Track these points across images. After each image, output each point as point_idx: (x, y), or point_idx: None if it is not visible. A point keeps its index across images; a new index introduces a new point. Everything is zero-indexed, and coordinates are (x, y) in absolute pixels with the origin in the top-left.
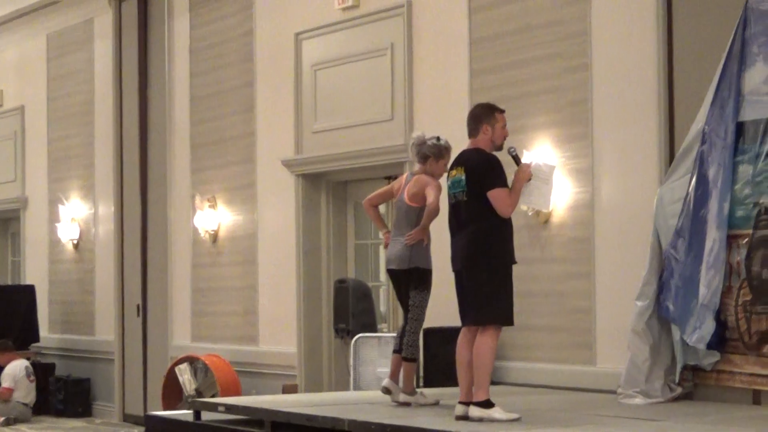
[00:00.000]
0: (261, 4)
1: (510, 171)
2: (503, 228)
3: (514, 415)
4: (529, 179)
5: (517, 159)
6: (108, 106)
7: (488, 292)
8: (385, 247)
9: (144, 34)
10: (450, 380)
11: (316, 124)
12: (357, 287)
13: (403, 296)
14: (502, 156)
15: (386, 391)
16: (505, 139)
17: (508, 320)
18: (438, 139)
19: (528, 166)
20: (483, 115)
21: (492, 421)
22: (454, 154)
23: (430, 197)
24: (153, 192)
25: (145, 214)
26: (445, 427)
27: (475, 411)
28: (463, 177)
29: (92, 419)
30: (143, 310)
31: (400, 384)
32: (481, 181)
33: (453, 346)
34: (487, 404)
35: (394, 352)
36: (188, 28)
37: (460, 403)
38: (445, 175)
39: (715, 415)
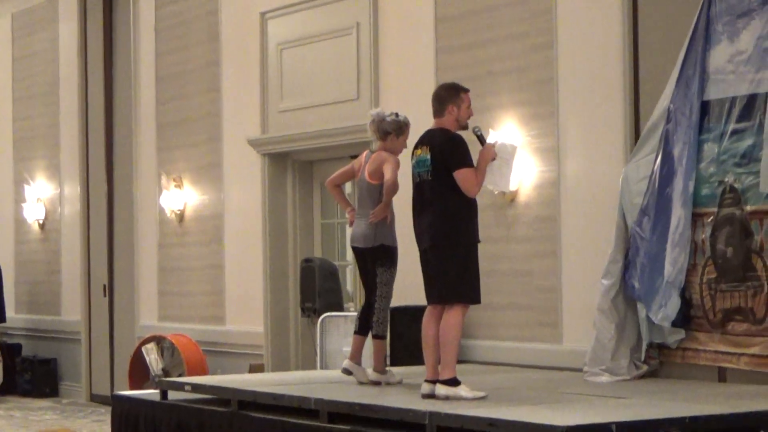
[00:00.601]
0: None
1: (474, 151)
2: (468, 207)
3: (481, 393)
4: (493, 159)
5: (482, 139)
6: (73, 86)
7: (454, 270)
8: (350, 225)
9: (109, 13)
10: (416, 359)
11: (281, 103)
12: (323, 266)
13: (367, 275)
14: (467, 135)
15: (347, 372)
16: (469, 118)
17: (475, 298)
18: (397, 115)
19: (492, 146)
20: (448, 96)
21: (458, 398)
22: (419, 133)
23: (388, 173)
24: (119, 172)
25: (111, 194)
26: (412, 406)
27: (441, 389)
28: (428, 156)
29: (59, 399)
30: (110, 290)
31: (363, 364)
32: (447, 160)
33: (419, 324)
34: (454, 382)
35: (355, 333)
36: (153, 8)
37: (426, 381)
38: (409, 154)
39: (680, 393)
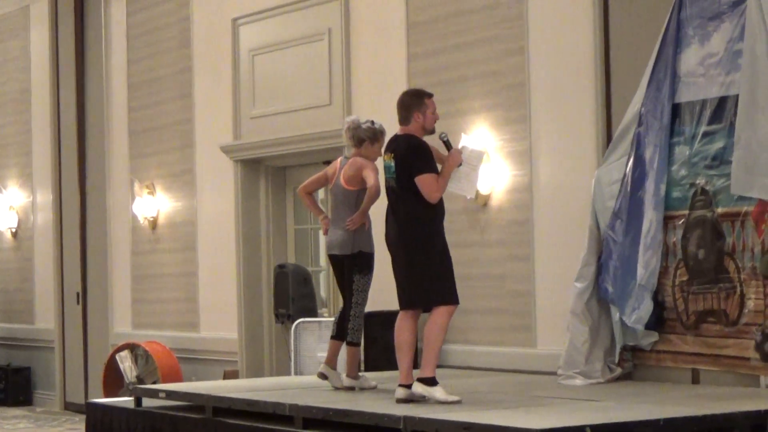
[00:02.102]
0: None
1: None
2: (432, 213)
3: (455, 398)
4: (460, 165)
5: (448, 144)
6: (45, 94)
7: (426, 275)
8: (325, 233)
9: (80, 20)
10: (390, 364)
11: (254, 109)
12: (297, 272)
13: (344, 282)
14: (433, 140)
15: (322, 376)
16: (435, 123)
17: (452, 299)
18: (372, 123)
19: (459, 151)
20: (413, 103)
21: (433, 399)
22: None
23: (371, 180)
24: (91, 179)
25: (84, 202)
26: (387, 410)
27: (418, 386)
28: (393, 164)
29: (33, 408)
30: (83, 297)
31: (338, 369)
32: (410, 167)
33: (392, 330)
34: (431, 382)
35: (332, 338)
36: (125, 15)
37: (400, 386)
38: (380, 159)
39: (654, 395)
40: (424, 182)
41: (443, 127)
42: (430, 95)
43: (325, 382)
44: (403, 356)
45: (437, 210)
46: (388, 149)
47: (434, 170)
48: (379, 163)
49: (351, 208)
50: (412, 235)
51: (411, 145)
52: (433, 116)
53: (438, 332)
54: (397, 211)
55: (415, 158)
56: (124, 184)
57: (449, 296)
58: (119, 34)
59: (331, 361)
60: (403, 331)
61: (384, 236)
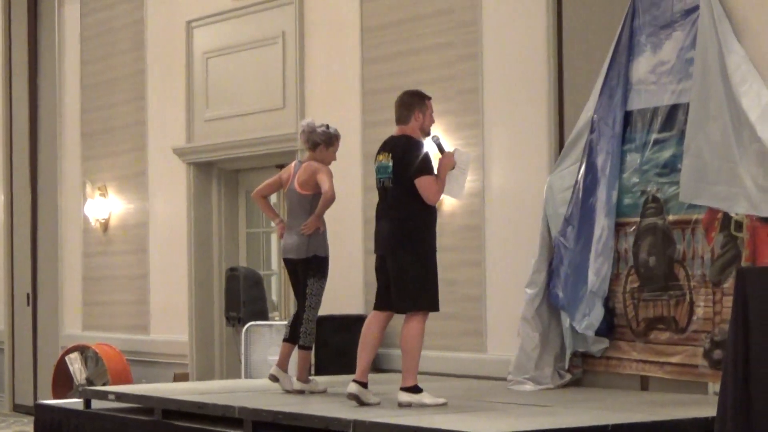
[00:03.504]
0: None
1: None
2: (428, 215)
3: (442, 400)
4: (452, 168)
5: (440, 147)
6: None
7: (414, 279)
8: (280, 237)
9: (34, 22)
10: (341, 368)
11: (207, 112)
12: (248, 275)
13: (299, 286)
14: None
15: (274, 378)
16: (432, 125)
17: (434, 306)
18: (327, 127)
19: (452, 154)
20: (414, 102)
21: (421, 405)
22: (344, 142)
23: (325, 185)
24: (43, 181)
25: (35, 203)
26: (337, 414)
27: (404, 396)
28: (390, 163)
29: None
30: (33, 299)
31: (289, 372)
32: (409, 167)
33: (344, 334)
34: (416, 389)
35: (284, 340)
36: (78, 16)
37: (354, 381)
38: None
39: (604, 401)
40: (425, 184)
41: (390, 132)
42: (429, 97)
43: (276, 385)
44: (366, 354)
45: (433, 213)
46: (384, 149)
47: (433, 172)
48: (335, 166)
49: (306, 212)
50: (407, 238)
51: (411, 146)
52: (431, 118)
53: (418, 340)
54: (391, 212)
55: (416, 159)
56: (76, 185)
57: (434, 303)
58: (73, 35)
59: (283, 364)
60: (373, 330)
61: (374, 237)
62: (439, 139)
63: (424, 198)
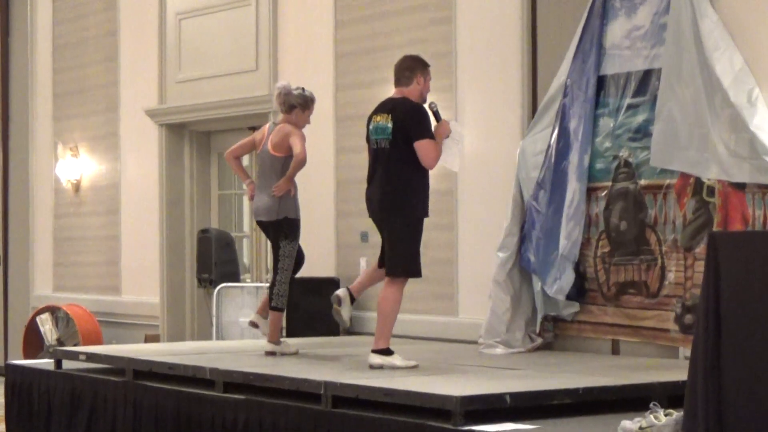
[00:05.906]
0: None
1: None
2: (421, 179)
3: (413, 363)
4: (447, 136)
5: (437, 115)
6: None
7: (401, 243)
8: (250, 198)
9: None
10: (312, 330)
11: (180, 73)
12: (220, 237)
13: (274, 247)
14: None
15: (253, 325)
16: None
17: (417, 272)
18: (303, 90)
19: (448, 123)
20: (417, 66)
21: (392, 367)
22: (318, 104)
23: (297, 147)
24: (14, 141)
25: (7, 163)
26: (308, 376)
27: (375, 358)
28: (390, 125)
29: None
30: (4, 259)
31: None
32: (410, 130)
33: (315, 296)
34: (387, 352)
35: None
36: None
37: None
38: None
39: (574, 365)
40: (425, 147)
41: (363, 95)
42: (428, 64)
43: (249, 347)
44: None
45: (426, 177)
46: (383, 110)
47: (433, 137)
48: (308, 130)
49: (277, 175)
50: (397, 200)
51: (412, 108)
52: (429, 85)
53: (395, 305)
54: (385, 174)
55: (417, 122)
56: (47, 146)
57: (418, 269)
58: None
59: (262, 312)
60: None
61: (365, 200)
62: (437, 106)
63: (422, 162)
